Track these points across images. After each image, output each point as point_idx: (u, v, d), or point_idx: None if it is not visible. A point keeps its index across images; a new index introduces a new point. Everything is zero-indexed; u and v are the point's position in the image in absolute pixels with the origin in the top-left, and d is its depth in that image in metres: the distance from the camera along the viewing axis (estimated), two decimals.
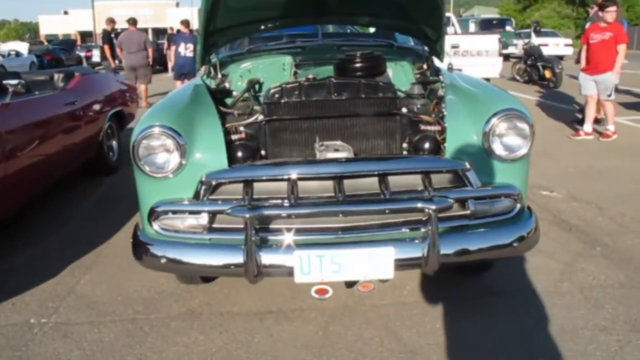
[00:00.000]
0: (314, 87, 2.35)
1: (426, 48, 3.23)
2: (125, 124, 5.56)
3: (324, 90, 2.35)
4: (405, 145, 2.42)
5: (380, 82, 2.40)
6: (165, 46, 14.75)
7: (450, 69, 3.06)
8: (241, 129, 2.37)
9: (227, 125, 2.33)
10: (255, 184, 2.08)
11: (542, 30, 17.89)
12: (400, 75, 3.18)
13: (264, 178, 2.11)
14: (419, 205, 2.00)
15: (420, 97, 2.72)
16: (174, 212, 2.15)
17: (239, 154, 2.24)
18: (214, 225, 2.13)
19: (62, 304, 2.66)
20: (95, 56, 20.55)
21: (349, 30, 3.83)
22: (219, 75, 3.07)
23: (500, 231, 2.19)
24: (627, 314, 2.46)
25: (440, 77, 2.85)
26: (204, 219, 2.12)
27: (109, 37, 10.19)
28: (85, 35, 46.53)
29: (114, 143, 5.24)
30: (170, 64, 11.51)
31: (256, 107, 2.58)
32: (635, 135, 6.63)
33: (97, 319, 2.53)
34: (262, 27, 3.10)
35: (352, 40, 3.55)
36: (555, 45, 19.92)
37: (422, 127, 2.37)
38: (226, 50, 3.42)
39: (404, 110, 2.42)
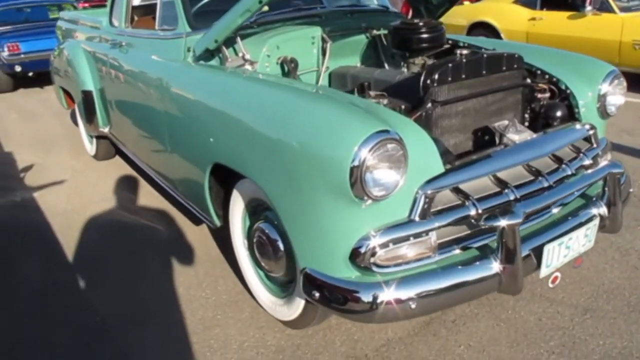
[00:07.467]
0: (470, 63, 2.10)
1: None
2: None
3: (477, 66, 2.11)
4: (526, 115, 2.40)
5: (507, 53, 2.29)
6: None
7: None
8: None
9: None
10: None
11: None
12: None
13: (482, 176, 1.85)
14: (614, 170, 2.07)
15: None
16: (399, 240, 1.70)
17: None
18: (441, 241, 1.78)
19: None
20: None
21: None
22: (246, 55, 2.40)
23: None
24: None
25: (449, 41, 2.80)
26: (432, 238, 1.75)
27: None
28: None
29: None
30: None
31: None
32: None
33: None
34: None
35: (356, 6, 3.20)
36: None
37: (539, 95, 2.38)
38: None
39: (528, 80, 2.38)
